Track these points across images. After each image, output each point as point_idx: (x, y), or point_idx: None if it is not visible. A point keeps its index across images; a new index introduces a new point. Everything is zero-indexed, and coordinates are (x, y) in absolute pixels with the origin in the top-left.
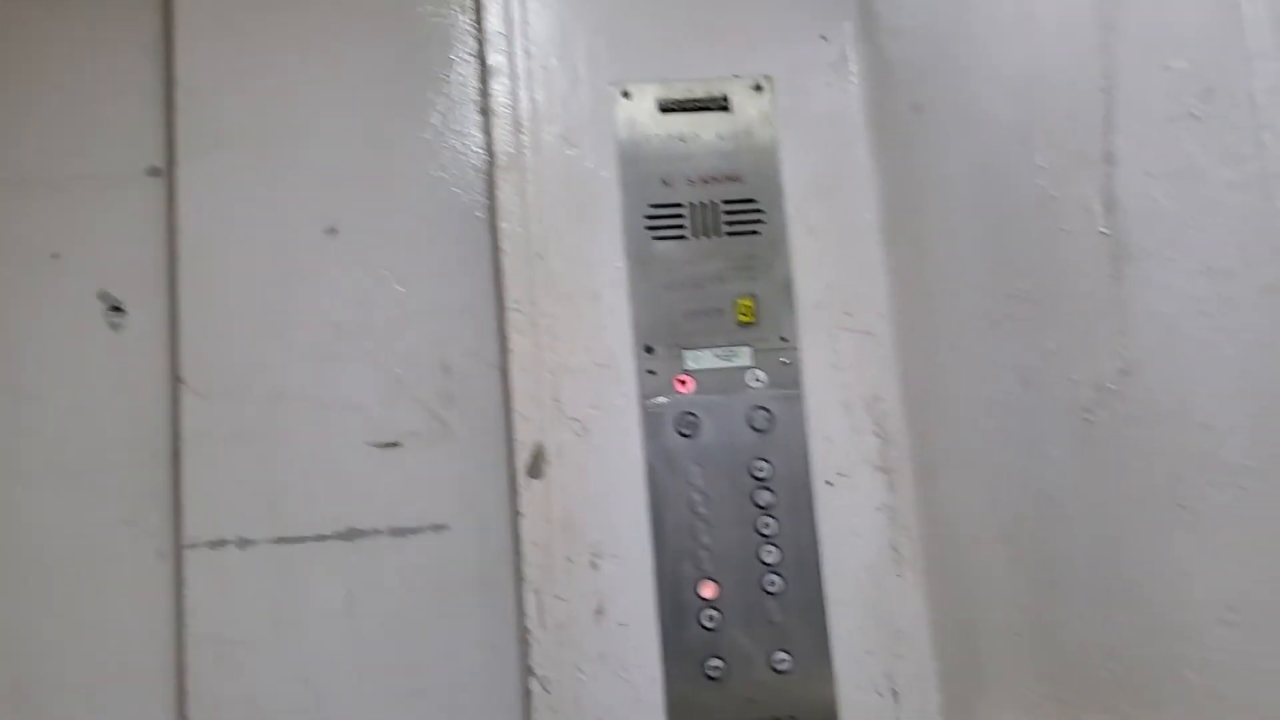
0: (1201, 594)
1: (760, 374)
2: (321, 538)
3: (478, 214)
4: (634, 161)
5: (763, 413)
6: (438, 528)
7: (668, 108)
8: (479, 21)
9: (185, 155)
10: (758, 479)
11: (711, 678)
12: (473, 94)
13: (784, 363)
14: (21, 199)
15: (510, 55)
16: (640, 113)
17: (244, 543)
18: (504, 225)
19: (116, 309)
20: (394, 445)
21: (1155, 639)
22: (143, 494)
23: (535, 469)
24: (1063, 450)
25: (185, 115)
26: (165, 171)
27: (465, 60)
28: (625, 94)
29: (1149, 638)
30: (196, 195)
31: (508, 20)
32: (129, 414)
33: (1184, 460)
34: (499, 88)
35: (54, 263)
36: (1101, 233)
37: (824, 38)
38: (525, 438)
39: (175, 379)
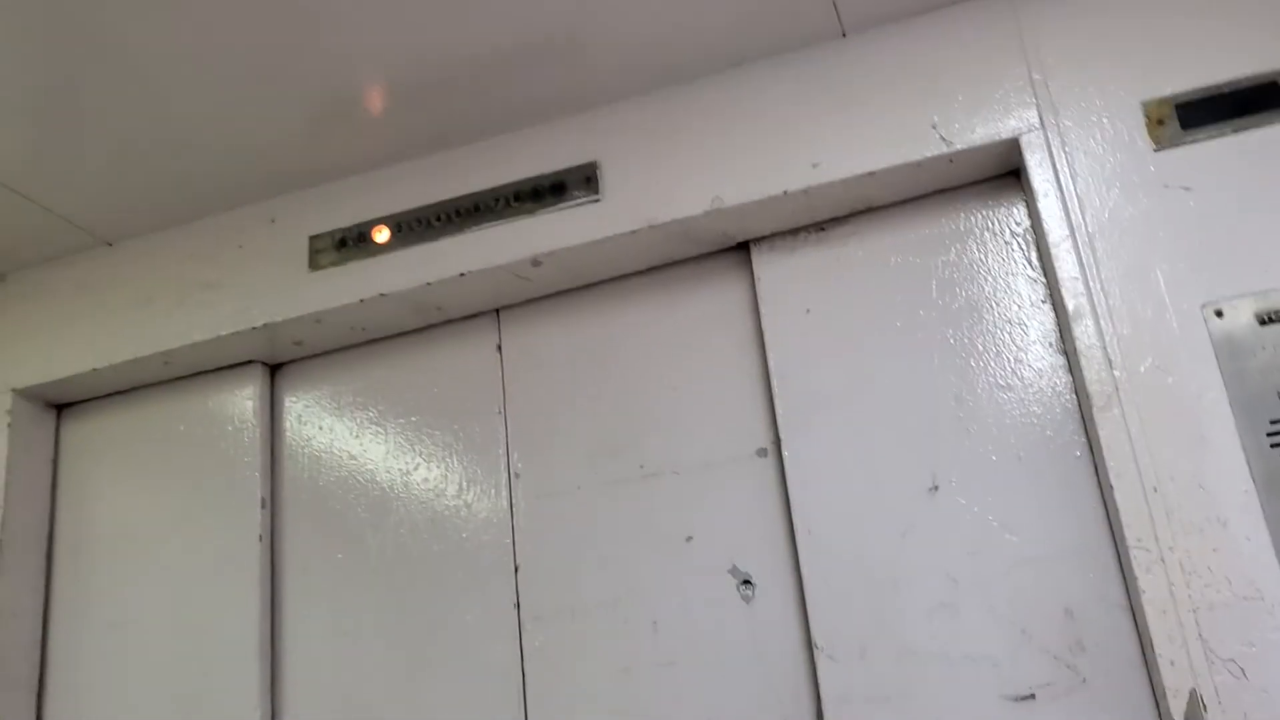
0: None
1: None
2: None
3: (1075, 453)
4: (1239, 379)
5: None
6: None
7: (1267, 319)
8: (1046, 271)
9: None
10: None
11: None
12: (1045, 336)
13: None
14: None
15: (1089, 297)
16: (1237, 329)
17: None
18: (1111, 463)
19: (746, 582)
20: (1028, 698)
21: None
22: None
23: (1193, 718)
24: None
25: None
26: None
27: (1037, 306)
28: (1218, 313)
29: None
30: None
31: (1081, 265)
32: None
33: None
34: (1082, 330)
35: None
36: None
37: None
38: (1175, 684)
39: (809, 645)
